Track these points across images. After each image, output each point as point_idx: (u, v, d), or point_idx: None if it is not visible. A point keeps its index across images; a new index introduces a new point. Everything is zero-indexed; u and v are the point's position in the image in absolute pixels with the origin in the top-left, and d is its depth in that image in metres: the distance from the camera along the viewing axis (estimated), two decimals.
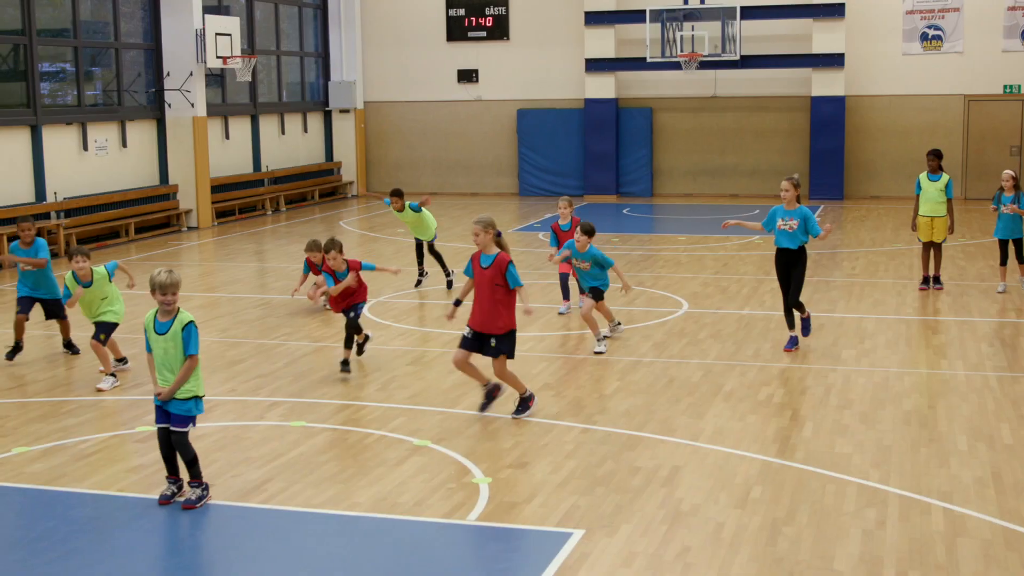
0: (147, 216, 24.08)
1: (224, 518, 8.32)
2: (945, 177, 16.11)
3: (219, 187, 26.74)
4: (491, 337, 10.35)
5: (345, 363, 12.32)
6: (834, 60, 28.45)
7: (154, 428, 10.16)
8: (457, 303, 10.82)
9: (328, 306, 13.85)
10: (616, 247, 21.28)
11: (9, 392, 11.77)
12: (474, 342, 10.43)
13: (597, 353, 12.89)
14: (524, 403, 10.63)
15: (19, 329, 13.15)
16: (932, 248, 16.25)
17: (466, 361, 10.48)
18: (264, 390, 11.72)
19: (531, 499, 8.50)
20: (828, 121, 28.73)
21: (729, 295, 16.34)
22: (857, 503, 8.36)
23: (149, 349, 8.47)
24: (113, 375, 12.00)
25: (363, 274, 12.63)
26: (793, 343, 13.04)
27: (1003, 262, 16.23)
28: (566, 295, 15.10)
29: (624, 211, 27.82)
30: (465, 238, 22.84)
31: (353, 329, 12.36)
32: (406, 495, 8.63)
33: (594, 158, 30.59)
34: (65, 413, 10.92)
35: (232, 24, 25.84)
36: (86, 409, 11.09)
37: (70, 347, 13.49)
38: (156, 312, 8.47)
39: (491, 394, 10.72)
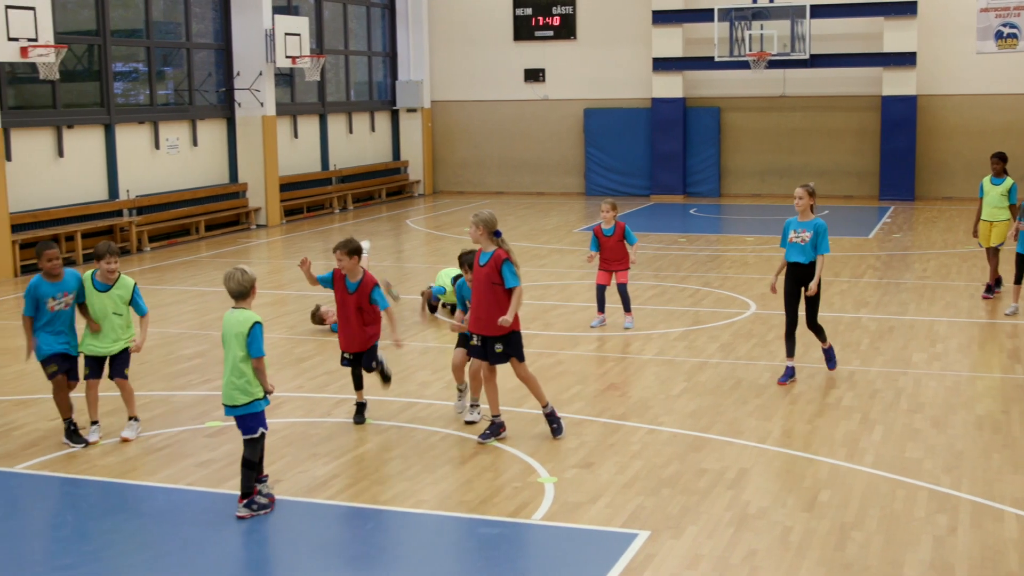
0: (217, 214, 24.35)
1: (291, 514, 8.38)
2: (1009, 181, 15.72)
3: (287, 185, 26.97)
4: (495, 342, 9.81)
5: (360, 410, 10.68)
6: (906, 59, 28.09)
7: (221, 424, 10.30)
8: (466, 309, 10.40)
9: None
10: (683, 248, 21.18)
11: (83, 386, 11.93)
12: (481, 348, 9.87)
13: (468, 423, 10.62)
14: (495, 427, 9.94)
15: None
16: (993, 253, 15.89)
17: (477, 372, 10.11)
18: (331, 387, 11.80)
19: (596, 499, 8.48)
20: (899, 121, 28.37)
21: None
22: (928, 509, 8.25)
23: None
24: (96, 422, 10.13)
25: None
26: (789, 375, 11.72)
27: (1018, 279, 14.72)
28: (600, 307, 14.45)
29: (691, 211, 27.68)
30: (530, 238, 22.85)
31: (381, 373, 10.73)
32: (471, 493, 8.65)
33: (661, 158, 30.45)
34: (137, 408, 11.06)
35: (301, 24, 26.06)
36: (157, 404, 11.23)
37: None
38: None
39: (496, 429, 9.97)
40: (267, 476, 8.50)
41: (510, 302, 9.68)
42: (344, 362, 10.56)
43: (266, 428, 8.36)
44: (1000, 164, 15.82)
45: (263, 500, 8.29)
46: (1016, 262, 14.68)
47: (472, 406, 10.46)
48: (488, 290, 9.73)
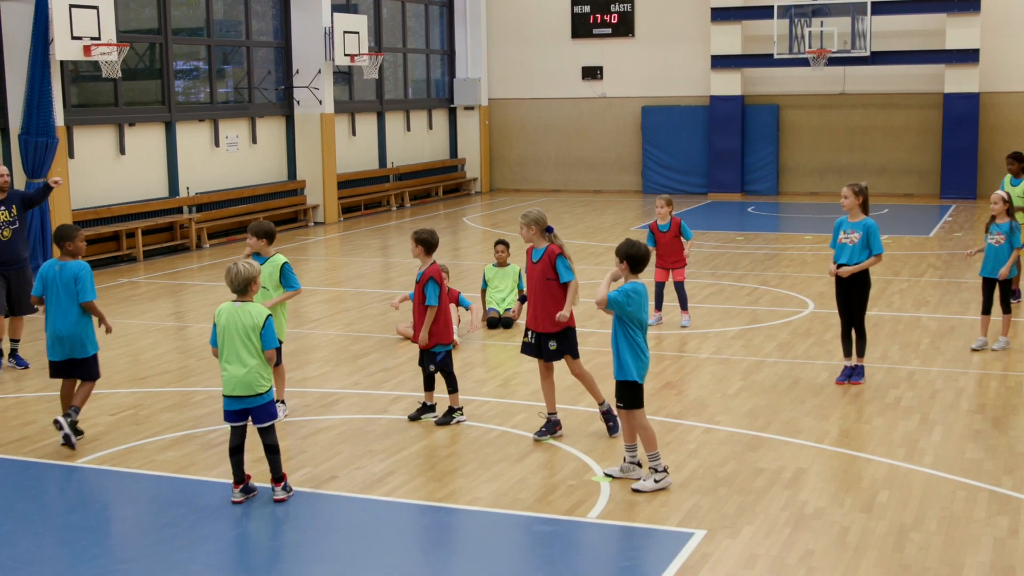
0: (276, 211, 24.53)
1: (348, 510, 8.43)
2: None
3: (345, 183, 27.12)
4: (550, 339, 9.73)
5: (424, 410, 10.61)
6: (968, 56, 27.72)
7: (286, 420, 10.39)
8: (523, 300, 10.58)
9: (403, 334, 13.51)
10: (741, 246, 21.06)
11: (142, 382, 12.09)
12: (534, 346, 9.82)
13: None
14: (551, 425, 9.92)
15: None
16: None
17: (545, 376, 9.92)
18: (387, 384, 11.85)
19: (652, 498, 8.45)
20: (962, 118, 28.00)
21: None
22: (988, 510, 8.14)
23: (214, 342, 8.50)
24: None
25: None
26: (847, 374, 11.54)
27: (985, 309, 12.90)
28: (659, 305, 14.25)
29: (749, 209, 27.51)
30: (587, 235, 22.82)
31: (447, 373, 10.50)
32: (527, 491, 8.65)
33: (719, 155, 30.29)
34: (195, 403, 11.18)
35: (360, 22, 26.19)
36: (215, 400, 11.32)
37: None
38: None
39: (553, 427, 9.94)
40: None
41: (566, 297, 9.61)
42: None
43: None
44: (1017, 164, 15.45)
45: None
46: (983, 288, 12.98)
47: (633, 463, 8.99)
48: (543, 286, 9.65)
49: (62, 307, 9.87)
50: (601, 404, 9.99)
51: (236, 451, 8.46)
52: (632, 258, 8.59)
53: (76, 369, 9.98)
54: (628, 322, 8.60)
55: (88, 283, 9.92)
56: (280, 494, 8.48)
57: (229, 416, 8.48)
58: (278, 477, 8.51)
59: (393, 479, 8.97)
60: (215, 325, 8.48)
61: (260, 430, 8.50)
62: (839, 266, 11.37)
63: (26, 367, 12.60)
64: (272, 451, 8.49)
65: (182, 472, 9.21)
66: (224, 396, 8.45)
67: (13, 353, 12.75)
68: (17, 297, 12.62)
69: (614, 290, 8.56)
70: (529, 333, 9.86)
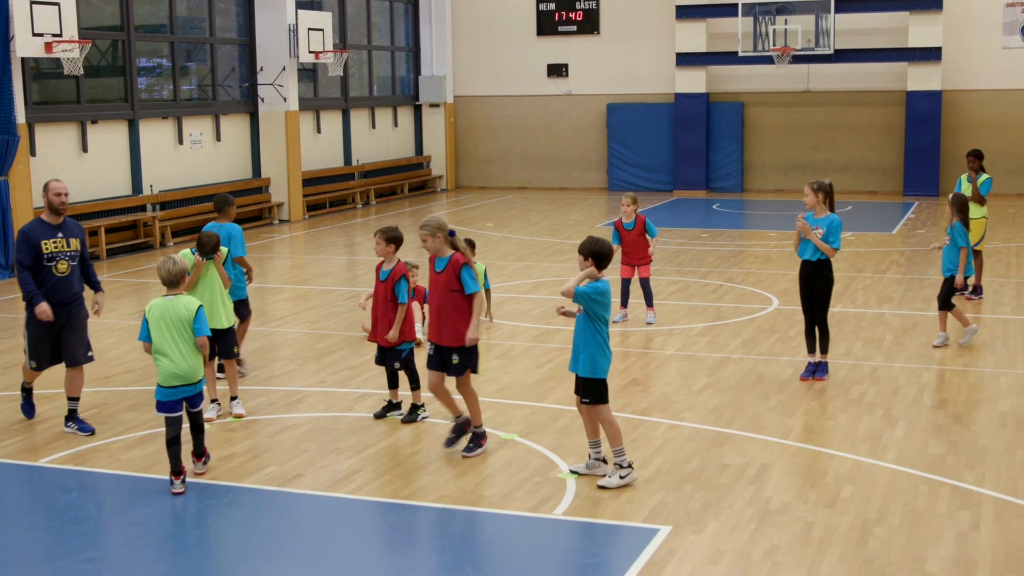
0: (240, 209, 24.35)
1: (314, 508, 8.41)
2: (983, 177, 15.67)
3: (310, 181, 27.03)
4: (452, 352, 9.32)
5: (389, 408, 10.57)
6: (931, 54, 27.95)
7: (247, 417, 10.36)
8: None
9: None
10: (706, 243, 21.14)
11: (106, 381, 12.01)
12: (437, 358, 9.36)
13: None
14: (476, 439, 9.51)
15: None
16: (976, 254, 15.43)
17: (440, 385, 9.42)
18: (353, 382, 11.82)
19: (618, 495, 8.47)
20: (924, 116, 28.23)
21: None
22: (951, 505, 8.21)
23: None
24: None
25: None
26: (810, 371, 11.61)
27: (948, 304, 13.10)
28: (624, 302, 14.28)
29: (714, 207, 27.62)
30: (552, 233, 22.84)
31: (410, 370, 10.46)
32: (492, 488, 8.66)
33: (684, 153, 30.40)
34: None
35: (324, 19, 26.10)
36: None
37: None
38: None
39: (461, 428, 9.58)
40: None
41: (471, 309, 9.31)
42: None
43: None
44: (977, 162, 15.84)
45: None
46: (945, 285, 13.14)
47: (598, 459, 9.01)
48: (447, 298, 9.28)
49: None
50: (478, 427, 9.53)
51: (174, 442, 8.60)
52: (597, 255, 8.61)
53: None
54: (594, 318, 8.62)
55: (240, 245, 11.56)
56: (200, 468, 9.02)
57: (165, 407, 8.65)
58: (200, 452, 9.01)
59: (359, 477, 8.95)
60: (145, 321, 8.70)
61: (193, 413, 8.82)
62: (803, 262, 11.44)
63: (91, 432, 10.13)
64: (199, 430, 8.93)
65: (146, 471, 9.15)
66: (160, 387, 8.62)
67: (72, 416, 10.26)
68: (70, 343, 10.16)
69: (584, 285, 8.58)
70: (432, 346, 9.45)
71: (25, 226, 10.25)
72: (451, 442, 9.59)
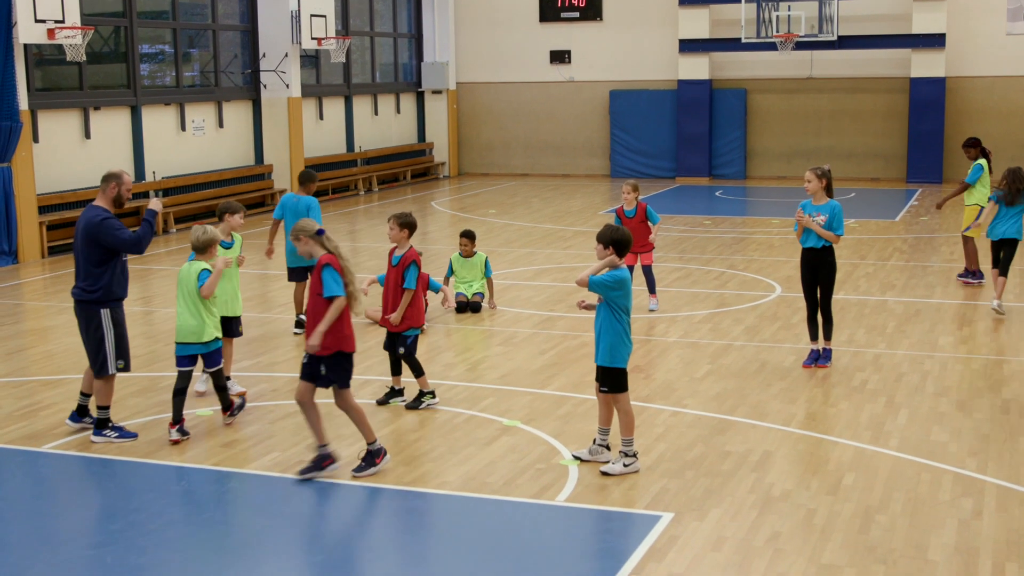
0: (243, 195, 24.36)
1: (317, 494, 8.42)
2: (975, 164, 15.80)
3: (313, 167, 26.98)
4: (320, 362, 8.58)
5: (392, 394, 10.58)
6: (935, 40, 27.88)
7: (248, 405, 10.38)
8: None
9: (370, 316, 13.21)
10: (708, 230, 21.12)
11: None
12: (308, 367, 8.61)
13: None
14: (370, 457, 8.75)
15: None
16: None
17: (307, 397, 8.63)
18: (356, 368, 11.79)
19: (620, 481, 8.48)
20: (928, 102, 28.17)
21: None
22: (953, 492, 8.22)
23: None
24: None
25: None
26: (813, 358, 11.62)
27: (996, 265, 13.92)
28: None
29: (717, 193, 27.59)
30: (555, 219, 22.83)
31: (411, 358, 10.42)
32: (495, 475, 8.67)
33: (687, 140, 30.36)
34: (163, 388, 11.12)
35: (327, 5, 26.05)
36: None
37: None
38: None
39: (319, 462, 8.69)
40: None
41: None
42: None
43: None
44: (974, 150, 16.04)
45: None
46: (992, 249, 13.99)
47: (602, 446, 8.93)
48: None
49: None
50: (372, 443, 8.78)
51: (180, 392, 9.46)
52: (617, 243, 8.58)
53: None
54: (615, 308, 8.61)
55: (318, 215, 12.83)
56: (228, 420, 9.90)
57: (178, 361, 9.59)
58: (227, 406, 9.90)
59: None
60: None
61: (212, 373, 9.72)
62: (804, 250, 11.43)
63: (133, 438, 9.59)
64: (222, 389, 9.83)
65: (149, 457, 9.17)
66: (176, 343, 9.56)
67: (106, 423, 9.57)
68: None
69: (602, 274, 8.56)
70: (306, 354, 8.69)
71: (103, 211, 9.44)
72: (305, 471, 8.61)
